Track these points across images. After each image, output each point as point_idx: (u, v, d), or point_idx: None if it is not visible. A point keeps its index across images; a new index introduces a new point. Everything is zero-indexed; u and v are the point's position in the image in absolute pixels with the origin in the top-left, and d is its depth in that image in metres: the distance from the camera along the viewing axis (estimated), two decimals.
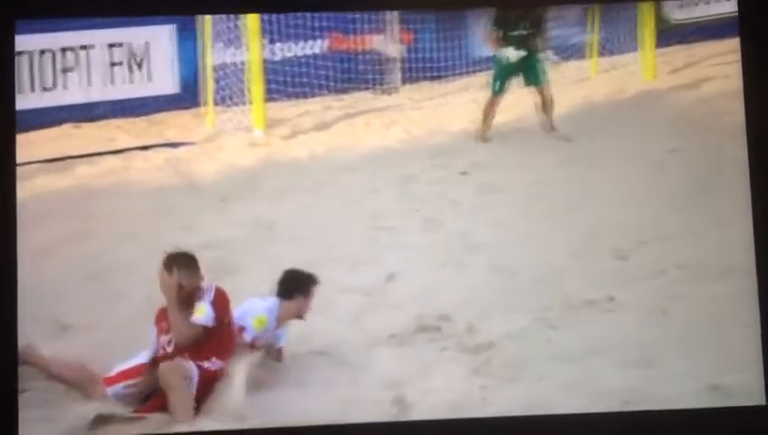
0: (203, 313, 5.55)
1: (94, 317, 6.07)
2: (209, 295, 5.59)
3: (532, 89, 7.98)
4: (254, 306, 5.83)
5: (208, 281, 5.66)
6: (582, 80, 8.65)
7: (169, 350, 5.55)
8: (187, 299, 5.56)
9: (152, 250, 6.43)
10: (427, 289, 6.39)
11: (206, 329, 5.54)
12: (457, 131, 8.01)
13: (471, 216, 7.02)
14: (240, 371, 5.57)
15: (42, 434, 5.42)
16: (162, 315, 5.62)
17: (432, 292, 6.36)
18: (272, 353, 5.87)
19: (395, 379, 5.77)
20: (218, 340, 5.58)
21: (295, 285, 5.92)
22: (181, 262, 5.58)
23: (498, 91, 7.96)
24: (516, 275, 6.47)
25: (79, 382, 5.60)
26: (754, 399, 5.66)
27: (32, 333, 5.78)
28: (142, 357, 5.64)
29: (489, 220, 6.93)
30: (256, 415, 5.45)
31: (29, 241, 6.40)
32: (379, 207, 7.17)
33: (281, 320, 5.89)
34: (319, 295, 5.99)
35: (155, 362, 5.58)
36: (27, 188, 7.10)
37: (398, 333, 6.11)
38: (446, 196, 7.26)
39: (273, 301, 5.87)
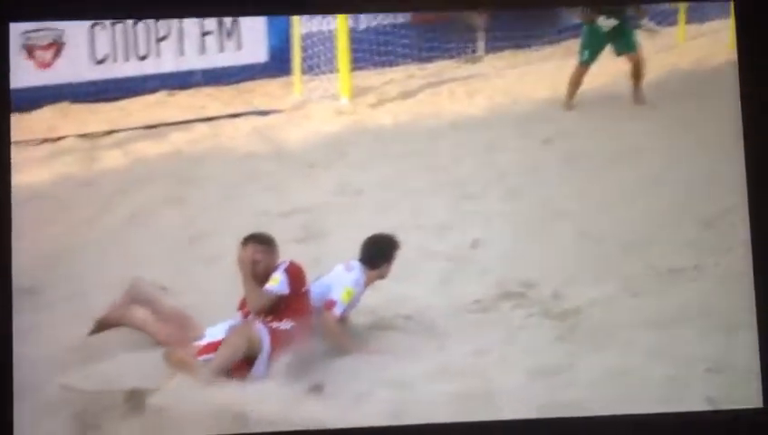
0: (277, 281, 5.63)
1: (188, 280, 6.18)
2: (283, 266, 5.68)
3: (620, 57, 7.91)
4: (340, 278, 5.83)
5: (283, 259, 5.71)
6: (671, 47, 8.54)
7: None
8: (262, 275, 5.65)
9: (242, 215, 6.61)
10: (511, 256, 6.41)
11: (280, 298, 5.62)
12: (541, 99, 7.98)
13: (555, 183, 7.00)
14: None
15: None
16: (245, 302, 5.72)
17: (516, 258, 6.37)
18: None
19: (480, 344, 5.76)
20: (293, 307, 5.64)
21: (380, 254, 5.93)
22: (257, 239, 5.70)
23: (587, 60, 7.88)
24: (601, 243, 6.45)
25: (171, 344, 5.73)
26: None
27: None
28: (230, 322, 5.73)
29: (574, 188, 6.91)
30: (333, 383, 5.47)
31: (130, 203, 6.58)
32: (464, 174, 7.19)
33: (366, 287, 5.94)
34: (404, 261, 6.01)
35: None
36: (128, 153, 7.32)
37: (482, 299, 6.13)
38: (530, 164, 7.25)
39: (358, 271, 5.87)
